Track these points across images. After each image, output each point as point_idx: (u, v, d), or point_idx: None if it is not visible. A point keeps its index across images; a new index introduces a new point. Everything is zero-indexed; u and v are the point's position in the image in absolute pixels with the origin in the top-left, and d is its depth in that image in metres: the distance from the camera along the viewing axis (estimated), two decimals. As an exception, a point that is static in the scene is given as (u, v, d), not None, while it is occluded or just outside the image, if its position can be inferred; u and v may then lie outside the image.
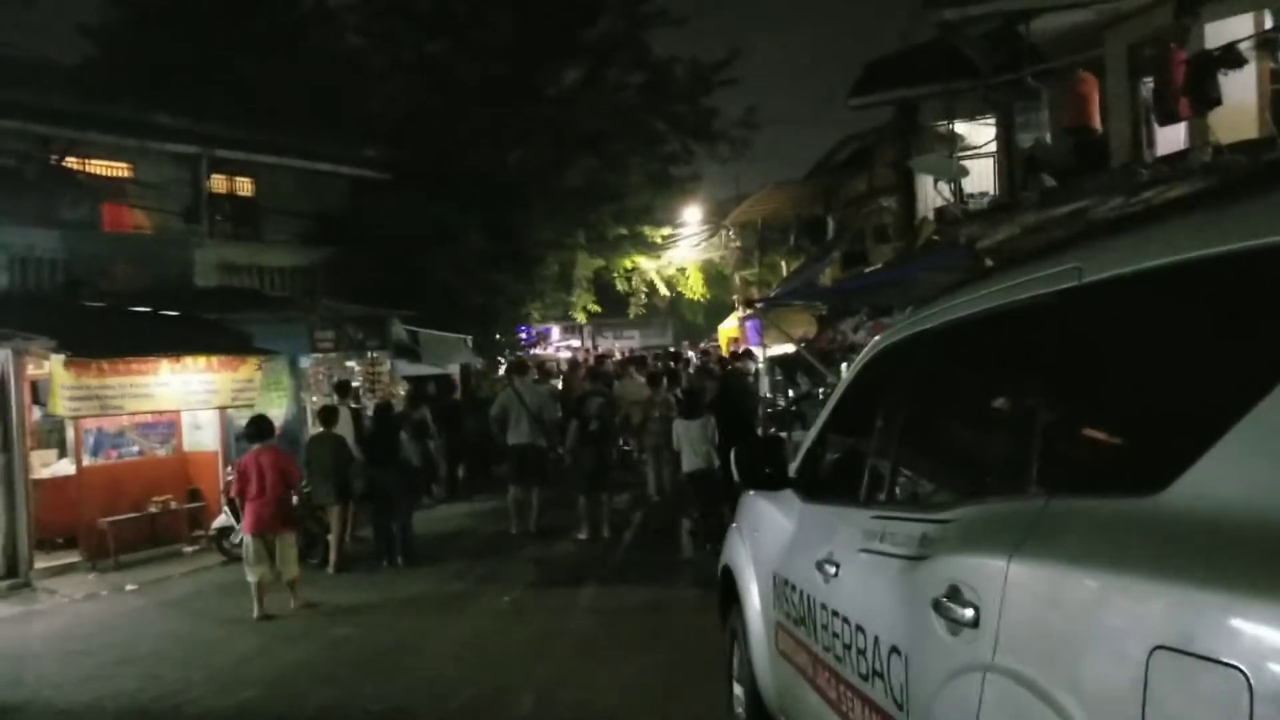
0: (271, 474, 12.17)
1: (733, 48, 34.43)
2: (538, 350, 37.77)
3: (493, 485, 20.33)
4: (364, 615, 11.98)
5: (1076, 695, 2.34)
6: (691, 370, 24.70)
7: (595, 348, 43.29)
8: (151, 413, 16.43)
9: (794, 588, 4.97)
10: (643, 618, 11.04)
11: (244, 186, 24.69)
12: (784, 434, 15.56)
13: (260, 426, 12.90)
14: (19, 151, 19.89)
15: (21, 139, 19.85)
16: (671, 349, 39.99)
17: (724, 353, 29.28)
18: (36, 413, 16.60)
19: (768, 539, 5.74)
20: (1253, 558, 1.98)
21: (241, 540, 12.87)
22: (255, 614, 11.98)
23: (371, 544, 15.44)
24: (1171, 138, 14.49)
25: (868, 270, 20.99)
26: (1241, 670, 1.87)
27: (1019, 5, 15.60)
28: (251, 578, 12.06)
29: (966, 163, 18.69)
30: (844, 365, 15.92)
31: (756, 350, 23.49)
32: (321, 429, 15.07)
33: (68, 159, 20.91)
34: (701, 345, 37.90)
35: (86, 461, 15.80)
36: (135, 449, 16.69)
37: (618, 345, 43.70)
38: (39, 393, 16.35)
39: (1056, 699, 2.40)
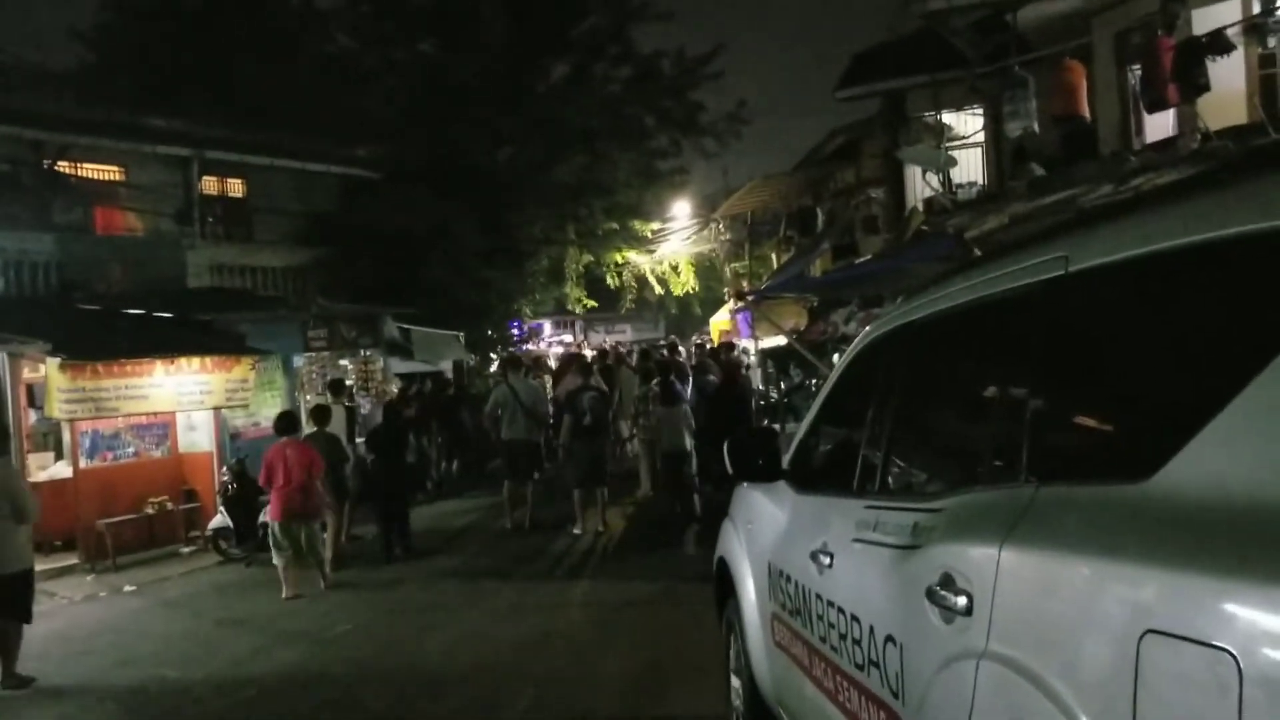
0: (296, 465, 12.90)
1: (718, 42, 34.34)
2: (529, 346, 37.74)
3: (487, 481, 20.36)
4: (361, 613, 12.02)
5: (1069, 680, 2.36)
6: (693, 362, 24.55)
7: (586, 342, 43.24)
8: (146, 414, 16.44)
9: (789, 579, 4.99)
10: (639, 611, 11.06)
11: (236, 188, 24.74)
12: (776, 426, 15.64)
13: (288, 421, 13.86)
14: (12, 156, 19.89)
15: (15, 144, 19.87)
16: (662, 342, 39.94)
17: (715, 344, 29.25)
18: (33, 416, 16.63)
19: (762, 530, 5.75)
20: (1241, 541, 1.99)
21: (269, 529, 13.40)
22: (284, 595, 12.82)
23: (367, 542, 15.51)
24: (1160, 125, 14.50)
25: (858, 261, 20.99)
26: (1231, 653, 1.88)
27: (1005, -7, 15.65)
28: (278, 562, 12.98)
29: (955, 153, 18.69)
30: (835, 356, 15.92)
31: (749, 343, 23.49)
32: (315, 428, 15.09)
33: (61, 163, 20.91)
34: (695, 340, 37.77)
35: (83, 464, 15.82)
36: (131, 450, 16.70)
37: (609, 339, 43.60)
38: (35, 396, 16.38)
39: (1050, 684, 2.42)
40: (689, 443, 15.89)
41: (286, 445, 13.25)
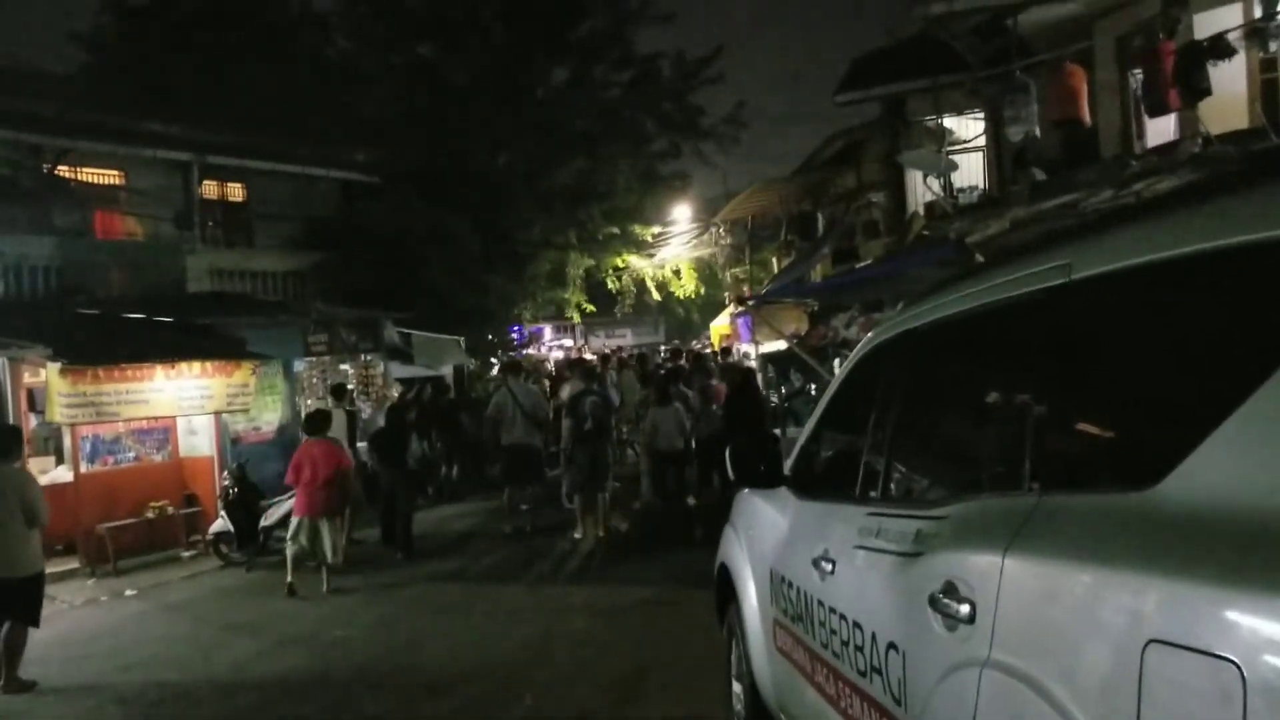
0: (323, 463, 13.25)
1: (717, 45, 34.28)
2: (530, 350, 37.75)
3: (486, 486, 20.36)
4: (362, 617, 12.01)
5: (1072, 689, 2.37)
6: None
7: (587, 346, 43.29)
8: (147, 419, 16.42)
9: (791, 585, 4.99)
10: (639, 615, 11.07)
11: (235, 192, 24.72)
12: (777, 431, 15.64)
13: (316, 421, 14.10)
14: (12, 160, 19.89)
15: (14, 148, 19.86)
16: (664, 347, 39.95)
17: (715, 349, 29.25)
18: (33, 420, 16.63)
19: (764, 536, 5.75)
20: (1244, 551, 2.00)
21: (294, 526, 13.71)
22: (287, 579, 13.31)
23: (368, 546, 15.54)
24: (1161, 129, 14.52)
25: (858, 266, 20.97)
26: (1234, 662, 1.89)
27: (1005, -1, 15.66)
28: (290, 551, 13.43)
29: (955, 157, 18.70)
30: (836, 361, 15.93)
31: (749, 347, 23.50)
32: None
33: (60, 167, 20.91)
34: (694, 344, 37.79)
35: (84, 468, 15.82)
36: (131, 455, 16.70)
37: (608, 344, 43.68)
38: (35, 400, 16.38)
39: (1053, 693, 2.42)
40: (682, 442, 16.09)
41: (313, 444, 13.59)
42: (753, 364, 21.84)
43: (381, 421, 17.23)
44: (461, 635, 10.88)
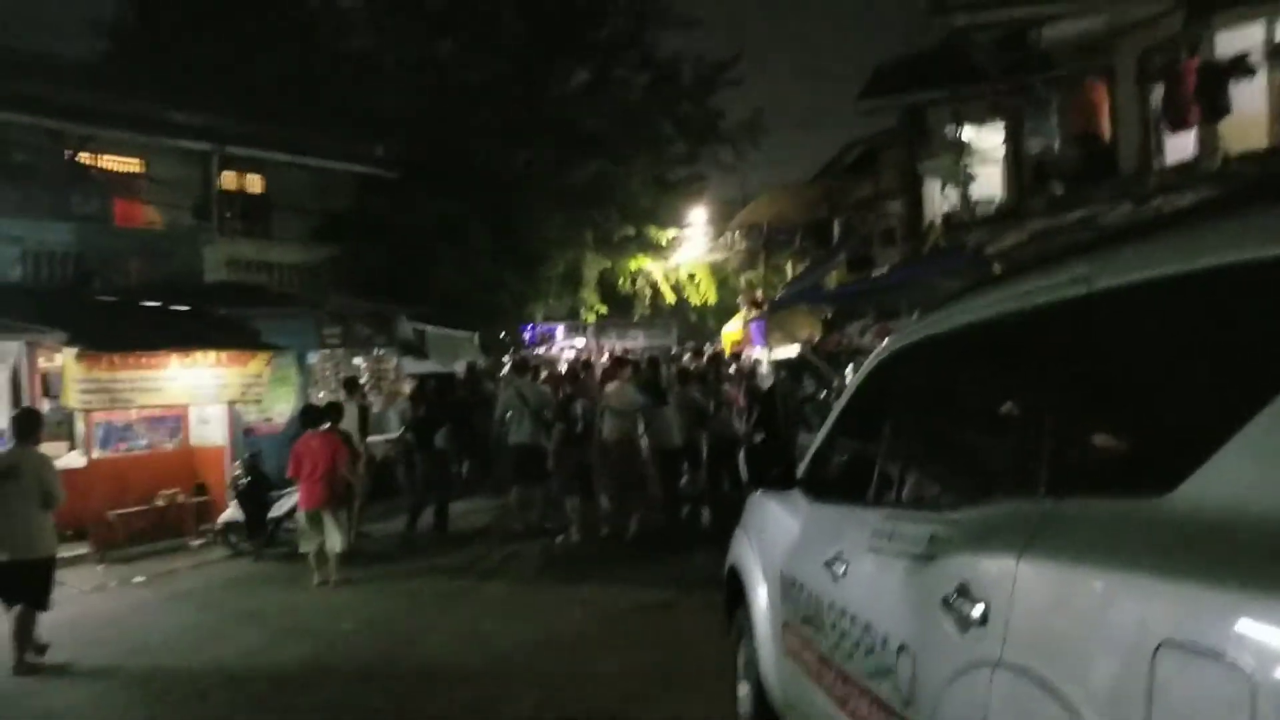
0: (321, 456, 13.36)
1: (737, 48, 34.26)
2: (541, 350, 37.70)
3: (495, 484, 20.36)
4: (368, 610, 12.01)
5: (1084, 690, 2.39)
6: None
7: (599, 348, 43.22)
8: (160, 406, 16.46)
9: (801, 587, 5.00)
10: (644, 616, 11.04)
11: (254, 183, 24.80)
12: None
13: (311, 414, 14.48)
14: (32, 146, 19.96)
15: (35, 134, 19.93)
16: (674, 350, 39.79)
17: (726, 354, 29.16)
18: (46, 405, 16.68)
19: (775, 539, 5.77)
20: (1257, 558, 2.02)
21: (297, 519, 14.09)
22: (315, 581, 13.33)
23: (375, 540, 15.68)
24: (1180, 146, 14.50)
25: (874, 274, 20.98)
26: (1245, 667, 1.91)
27: (1029, 12, 15.61)
28: (304, 549, 13.62)
29: (974, 168, 18.68)
30: (849, 368, 15.94)
31: (762, 352, 23.50)
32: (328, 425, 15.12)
33: (80, 154, 20.98)
34: (709, 348, 37.70)
35: (96, 454, 15.84)
36: (143, 442, 16.70)
37: (619, 345, 43.62)
38: (50, 385, 16.42)
39: (1064, 694, 2.45)
40: (679, 440, 16.37)
41: (311, 437, 13.68)
42: (765, 369, 21.86)
43: (392, 416, 17.29)
44: (466, 631, 10.88)
